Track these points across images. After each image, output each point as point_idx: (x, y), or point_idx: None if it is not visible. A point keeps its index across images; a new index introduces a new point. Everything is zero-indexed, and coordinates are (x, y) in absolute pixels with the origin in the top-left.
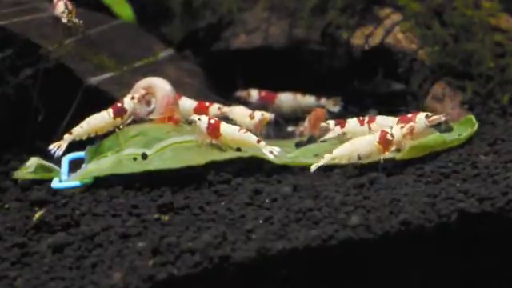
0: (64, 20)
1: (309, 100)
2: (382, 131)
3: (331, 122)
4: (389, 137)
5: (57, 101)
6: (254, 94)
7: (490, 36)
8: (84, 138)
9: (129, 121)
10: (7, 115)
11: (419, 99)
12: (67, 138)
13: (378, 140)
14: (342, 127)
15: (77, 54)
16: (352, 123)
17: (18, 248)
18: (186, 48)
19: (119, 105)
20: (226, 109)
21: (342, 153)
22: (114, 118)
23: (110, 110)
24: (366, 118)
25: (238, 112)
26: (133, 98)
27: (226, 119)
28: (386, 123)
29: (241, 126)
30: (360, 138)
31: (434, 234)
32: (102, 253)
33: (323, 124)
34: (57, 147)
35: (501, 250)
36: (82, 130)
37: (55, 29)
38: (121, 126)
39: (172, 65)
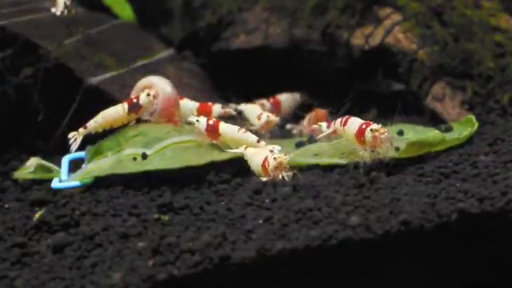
0: (58, 13)
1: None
2: (266, 156)
3: (323, 124)
4: (266, 164)
5: (57, 101)
6: (267, 103)
7: (490, 36)
8: (99, 131)
9: (146, 117)
10: (7, 115)
11: (419, 99)
12: (82, 132)
13: (261, 162)
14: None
15: (77, 53)
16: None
17: (18, 248)
18: (186, 48)
19: (134, 100)
20: (242, 106)
21: (248, 156)
22: (129, 113)
23: (126, 105)
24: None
25: (251, 110)
26: (148, 94)
27: (232, 118)
28: (353, 126)
29: (252, 124)
30: (259, 152)
31: (434, 233)
32: (102, 253)
33: (315, 126)
34: (73, 140)
35: (501, 249)
36: (96, 124)
37: (56, 28)
38: (132, 122)
39: (172, 65)
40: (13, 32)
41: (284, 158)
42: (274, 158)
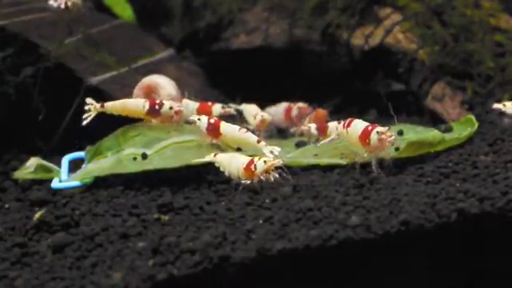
0: (55, 5)
1: None
2: (251, 160)
3: (312, 126)
4: (252, 167)
5: (57, 101)
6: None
7: (490, 36)
8: (114, 113)
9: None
10: (7, 115)
11: (419, 99)
12: (98, 108)
13: (244, 166)
14: (322, 131)
15: (77, 53)
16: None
17: (18, 248)
18: (185, 48)
19: (157, 107)
20: (243, 106)
21: (221, 161)
22: (147, 113)
23: (147, 105)
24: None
25: (248, 110)
26: (171, 108)
27: (232, 118)
28: (357, 128)
29: (249, 124)
30: (236, 156)
31: (434, 233)
32: (102, 253)
33: (304, 127)
34: (88, 110)
35: (501, 249)
36: (113, 106)
37: (56, 28)
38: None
39: (172, 65)
40: (13, 32)
41: (277, 162)
42: (265, 162)
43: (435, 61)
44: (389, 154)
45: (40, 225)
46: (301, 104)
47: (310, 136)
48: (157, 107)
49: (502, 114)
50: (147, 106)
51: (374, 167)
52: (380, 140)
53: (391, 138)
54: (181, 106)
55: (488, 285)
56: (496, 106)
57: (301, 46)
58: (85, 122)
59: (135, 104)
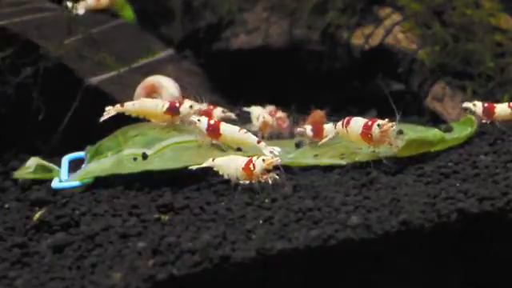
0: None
1: None
2: (250, 159)
3: (308, 128)
4: (251, 167)
5: (57, 101)
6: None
7: (490, 36)
8: (132, 115)
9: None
10: (7, 115)
11: (419, 99)
12: (118, 108)
13: (243, 166)
14: (318, 133)
15: (77, 53)
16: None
17: (18, 248)
18: (185, 48)
19: (177, 104)
20: (251, 108)
21: (220, 164)
22: (165, 113)
23: (166, 104)
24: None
25: (254, 112)
26: (191, 107)
27: (233, 121)
28: (358, 125)
29: (253, 126)
30: (234, 158)
31: (434, 233)
32: (102, 253)
33: (299, 129)
34: (106, 112)
35: (501, 249)
36: (133, 107)
37: (56, 28)
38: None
39: (172, 65)
40: (13, 32)
41: (275, 160)
42: (263, 160)
43: (435, 61)
44: (397, 146)
45: (40, 225)
46: (279, 114)
47: (305, 137)
48: (177, 105)
49: (471, 113)
50: (166, 106)
51: (384, 161)
52: (382, 132)
53: (393, 128)
54: (202, 106)
55: (488, 285)
56: (466, 104)
57: (301, 45)
58: (102, 119)
59: (153, 104)
